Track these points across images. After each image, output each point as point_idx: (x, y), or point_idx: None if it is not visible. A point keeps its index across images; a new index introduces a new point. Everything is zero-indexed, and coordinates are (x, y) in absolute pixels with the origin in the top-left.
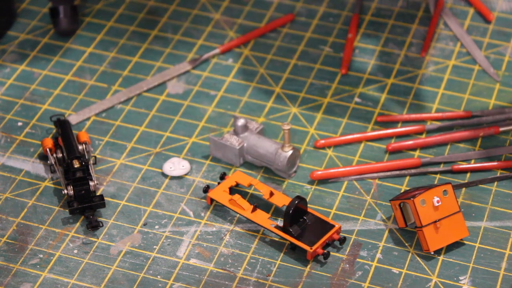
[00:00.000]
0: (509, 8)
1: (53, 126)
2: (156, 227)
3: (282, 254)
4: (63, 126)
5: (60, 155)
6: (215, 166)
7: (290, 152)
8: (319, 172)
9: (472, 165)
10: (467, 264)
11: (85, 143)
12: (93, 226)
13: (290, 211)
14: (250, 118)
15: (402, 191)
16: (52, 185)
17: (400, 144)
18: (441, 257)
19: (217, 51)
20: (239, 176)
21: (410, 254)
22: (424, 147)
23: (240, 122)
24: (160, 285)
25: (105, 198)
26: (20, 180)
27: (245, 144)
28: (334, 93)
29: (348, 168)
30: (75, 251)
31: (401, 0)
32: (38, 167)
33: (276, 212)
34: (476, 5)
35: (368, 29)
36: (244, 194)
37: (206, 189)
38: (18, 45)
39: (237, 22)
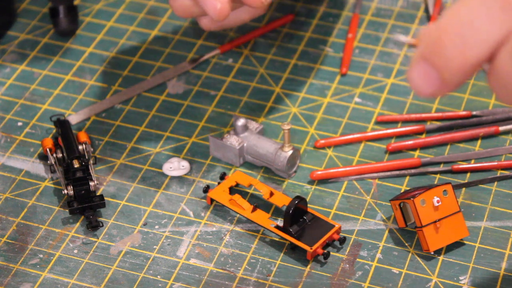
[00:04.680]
0: None
1: (53, 126)
2: (156, 227)
3: (282, 254)
4: (63, 126)
5: (60, 155)
6: (215, 166)
7: (290, 152)
8: (319, 172)
9: (472, 165)
10: (467, 264)
11: (85, 143)
12: (93, 226)
13: (290, 211)
14: (250, 118)
15: (402, 191)
16: (52, 185)
17: (400, 144)
18: (441, 257)
19: (217, 51)
20: (239, 176)
21: (410, 254)
22: (424, 147)
23: (240, 122)
24: (160, 285)
25: (105, 198)
26: (20, 180)
27: (245, 144)
28: (334, 93)
29: (348, 168)
30: (75, 251)
31: (401, 0)
32: (38, 167)
33: (276, 212)
34: None
35: (368, 29)
36: (244, 194)
37: (206, 189)
38: (18, 45)
39: None
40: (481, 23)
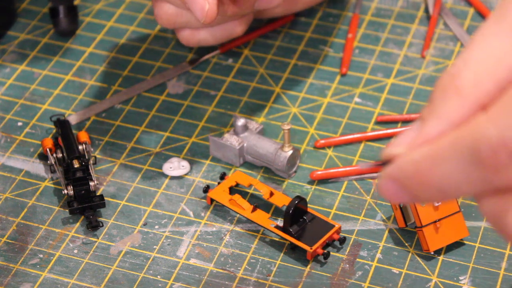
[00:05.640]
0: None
1: (53, 126)
2: (156, 227)
3: (282, 254)
4: (63, 126)
5: (60, 155)
6: (215, 166)
7: (290, 152)
8: (319, 172)
9: None
10: (467, 264)
11: (85, 143)
12: (93, 226)
13: (290, 211)
14: (250, 118)
15: None
16: (52, 185)
17: None
18: (441, 257)
19: (217, 51)
20: (239, 176)
21: (410, 254)
22: None
23: (240, 122)
24: (160, 285)
25: (105, 198)
26: (20, 180)
27: (245, 144)
28: (334, 93)
29: (348, 168)
30: (75, 251)
31: (401, 0)
32: (38, 167)
33: (276, 212)
34: (476, 5)
35: (368, 29)
36: (244, 194)
37: (206, 189)
38: (18, 45)
39: None
40: (455, 179)
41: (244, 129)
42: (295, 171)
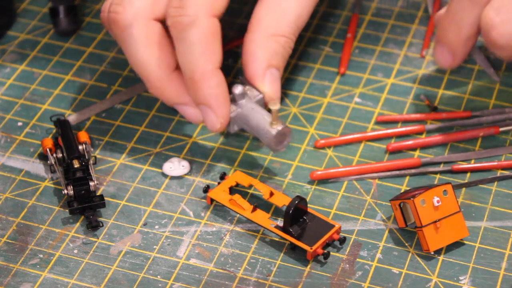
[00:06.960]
0: None
1: (53, 126)
2: (156, 227)
3: (282, 254)
4: (63, 126)
5: (60, 155)
6: (215, 166)
7: (279, 128)
8: (319, 172)
9: (472, 165)
10: (467, 264)
11: (85, 143)
12: (93, 226)
13: (290, 211)
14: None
15: (402, 191)
16: (52, 185)
17: (400, 144)
18: (441, 257)
19: None
20: (239, 176)
21: (410, 254)
22: (424, 147)
23: (238, 90)
24: (160, 285)
25: (105, 198)
26: (20, 180)
27: (239, 110)
28: (334, 93)
29: (348, 168)
30: (75, 251)
31: (401, 0)
32: (38, 167)
33: (276, 212)
34: None
35: (368, 29)
36: (244, 194)
37: (206, 189)
38: (18, 45)
39: (237, 22)
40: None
41: (241, 97)
42: (285, 148)
